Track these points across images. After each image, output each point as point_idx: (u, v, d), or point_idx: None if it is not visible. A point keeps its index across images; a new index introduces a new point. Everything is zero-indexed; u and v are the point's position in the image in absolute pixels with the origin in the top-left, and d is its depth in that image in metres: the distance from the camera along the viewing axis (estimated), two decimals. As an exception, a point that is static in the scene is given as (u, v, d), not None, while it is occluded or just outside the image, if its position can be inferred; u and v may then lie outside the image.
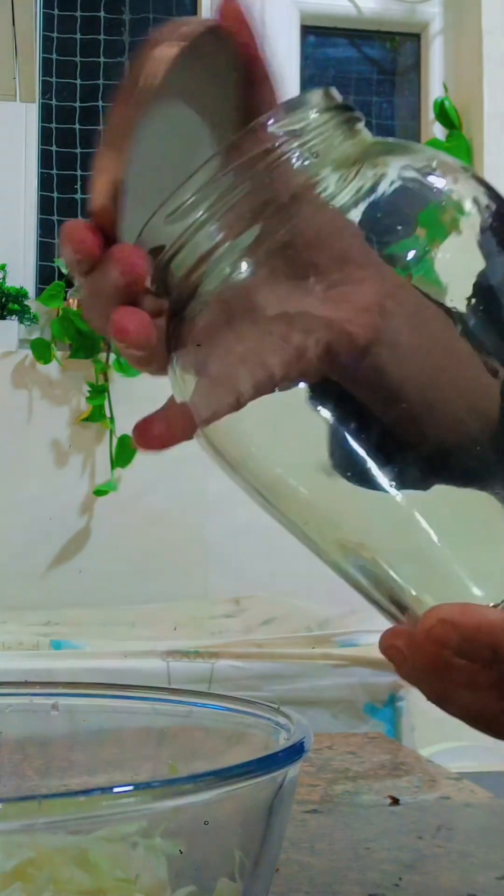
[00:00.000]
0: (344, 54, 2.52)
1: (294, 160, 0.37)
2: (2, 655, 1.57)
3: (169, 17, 2.41)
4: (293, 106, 0.38)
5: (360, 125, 0.39)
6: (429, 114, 2.46)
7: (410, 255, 0.37)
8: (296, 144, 0.37)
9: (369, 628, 1.51)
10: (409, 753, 0.84)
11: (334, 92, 0.39)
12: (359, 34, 2.51)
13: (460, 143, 2.36)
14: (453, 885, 0.52)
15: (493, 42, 2.35)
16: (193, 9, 2.41)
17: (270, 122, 0.37)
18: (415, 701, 1.43)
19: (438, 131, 2.42)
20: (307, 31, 2.46)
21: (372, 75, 2.53)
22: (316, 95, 0.38)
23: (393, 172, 0.38)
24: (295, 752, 0.33)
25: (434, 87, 2.46)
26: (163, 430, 0.41)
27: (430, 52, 2.48)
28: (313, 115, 0.38)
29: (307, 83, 2.47)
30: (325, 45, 2.51)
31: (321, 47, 2.50)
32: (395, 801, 0.67)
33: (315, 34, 2.49)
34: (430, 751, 1.53)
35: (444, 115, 2.39)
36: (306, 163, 0.37)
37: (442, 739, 1.61)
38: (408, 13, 2.47)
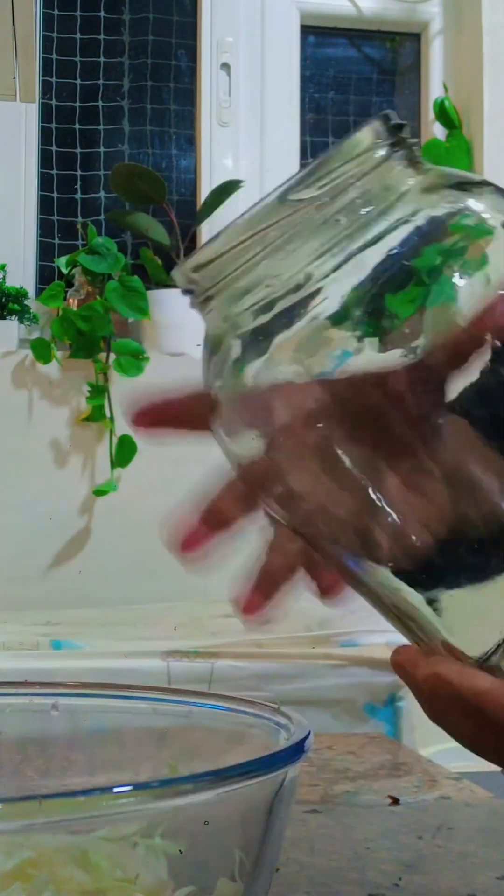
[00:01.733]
0: (344, 54, 2.52)
1: (356, 201, 0.36)
2: (2, 655, 1.57)
3: (169, 17, 2.41)
4: (348, 149, 0.36)
5: (418, 154, 0.38)
6: (429, 114, 2.46)
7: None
8: (352, 193, 0.36)
9: (369, 628, 1.50)
10: (409, 753, 0.84)
11: (392, 117, 0.37)
12: (359, 34, 2.51)
13: (460, 143, 2.36)
14: (453, 885, 0.52)
15: (493, 42, 2.35)
16: (193, 9, 2.41)
17: (333, 164, 0.36)
18: (414, 701, 1.43)
19: (438, 131, 2.42)
20: (307, 30, 2.46)
21: (372, 75, 2.52)
22: (368, 133, 0.36)
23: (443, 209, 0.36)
24: (295, 752, 0.33)
25: (434, 87, 2.46)
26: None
27: (430, 51, 2.48)
28: (370, 153, 0.36)
29: (307, 83, 2.47)
30: (325, 44, 2.51)
31: (321, 47, 2.50)
32: (395, 801, 0.67)
33: (315, 34, 2.49)
34: (430, 751, 1.53)
35: (444, 115, 2.39)
36: (366, 210, 0.36)
37: (442, 739, 1.61)
38: (408, 13, 2.47)
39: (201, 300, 0.38)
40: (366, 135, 0.36)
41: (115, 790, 0.27)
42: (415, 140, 0.38)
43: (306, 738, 0.34)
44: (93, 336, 2.12)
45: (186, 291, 0.39)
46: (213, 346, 0.38)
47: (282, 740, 0.36)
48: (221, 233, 0.37)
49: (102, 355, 2.13)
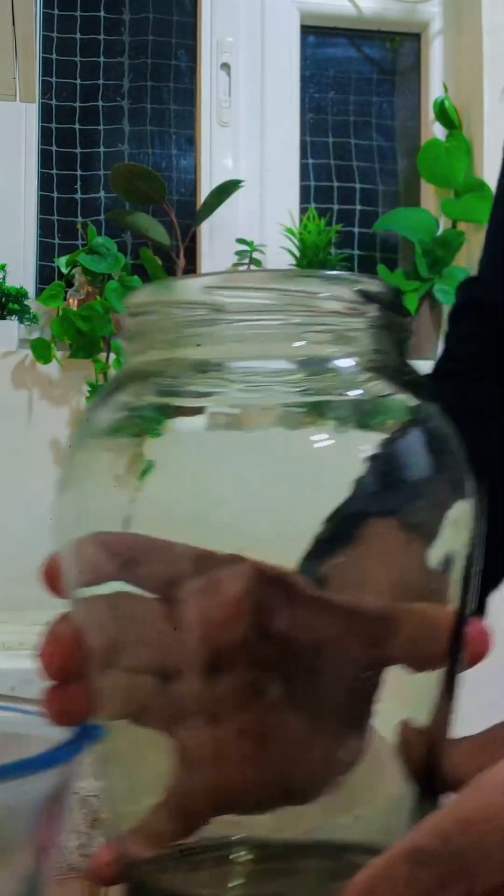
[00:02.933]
0: (344, 54, 2.52)
1: None
2: (2, 655, 1.57)
3: (169, 17, 2.41)
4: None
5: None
6: (429, 114, 2.46)
7: None
8: None
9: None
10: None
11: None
12: (359, 34, 2.51)
13: (460, 143, 2.36)
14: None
15: (493, 42, 2.35)
16: (193, 9, 2.40)
17: None
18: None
19: (438, 131, 2.42)
20: (307, 30, 2.46)
21: (372, 75, 2.52)
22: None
23: None
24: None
25: (434, 87, 2.45)
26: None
27: (430, 52, 2.48)
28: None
29: (307, 83, 2.46)
30: (325, 44, 2.51)
31: (321, 47, 2.50)
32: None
33: (315, 34, 2.48)
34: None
35: (444, 115, 2.38)
36: None
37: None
38: (408, 13, 2.46)
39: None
40: None
41: None
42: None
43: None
44: (93, 336, 2.12)
45: None
46: None
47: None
48: None
49: (102, 355, 2.13)
